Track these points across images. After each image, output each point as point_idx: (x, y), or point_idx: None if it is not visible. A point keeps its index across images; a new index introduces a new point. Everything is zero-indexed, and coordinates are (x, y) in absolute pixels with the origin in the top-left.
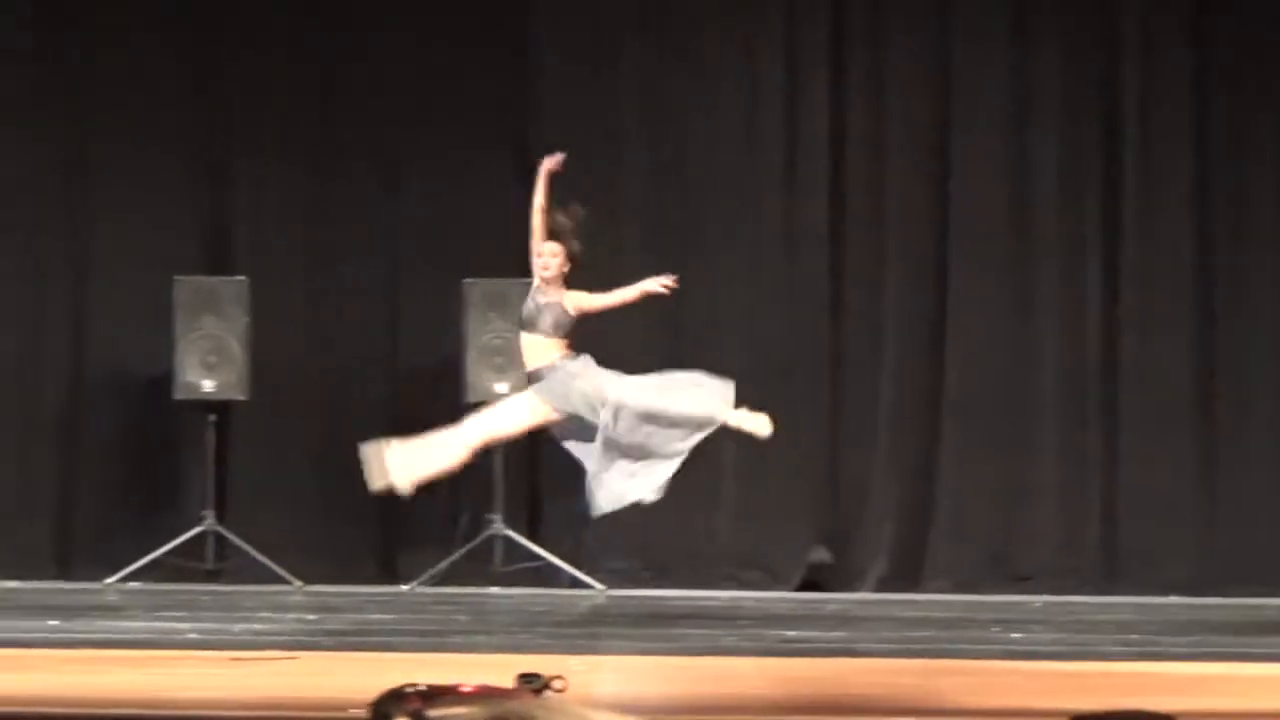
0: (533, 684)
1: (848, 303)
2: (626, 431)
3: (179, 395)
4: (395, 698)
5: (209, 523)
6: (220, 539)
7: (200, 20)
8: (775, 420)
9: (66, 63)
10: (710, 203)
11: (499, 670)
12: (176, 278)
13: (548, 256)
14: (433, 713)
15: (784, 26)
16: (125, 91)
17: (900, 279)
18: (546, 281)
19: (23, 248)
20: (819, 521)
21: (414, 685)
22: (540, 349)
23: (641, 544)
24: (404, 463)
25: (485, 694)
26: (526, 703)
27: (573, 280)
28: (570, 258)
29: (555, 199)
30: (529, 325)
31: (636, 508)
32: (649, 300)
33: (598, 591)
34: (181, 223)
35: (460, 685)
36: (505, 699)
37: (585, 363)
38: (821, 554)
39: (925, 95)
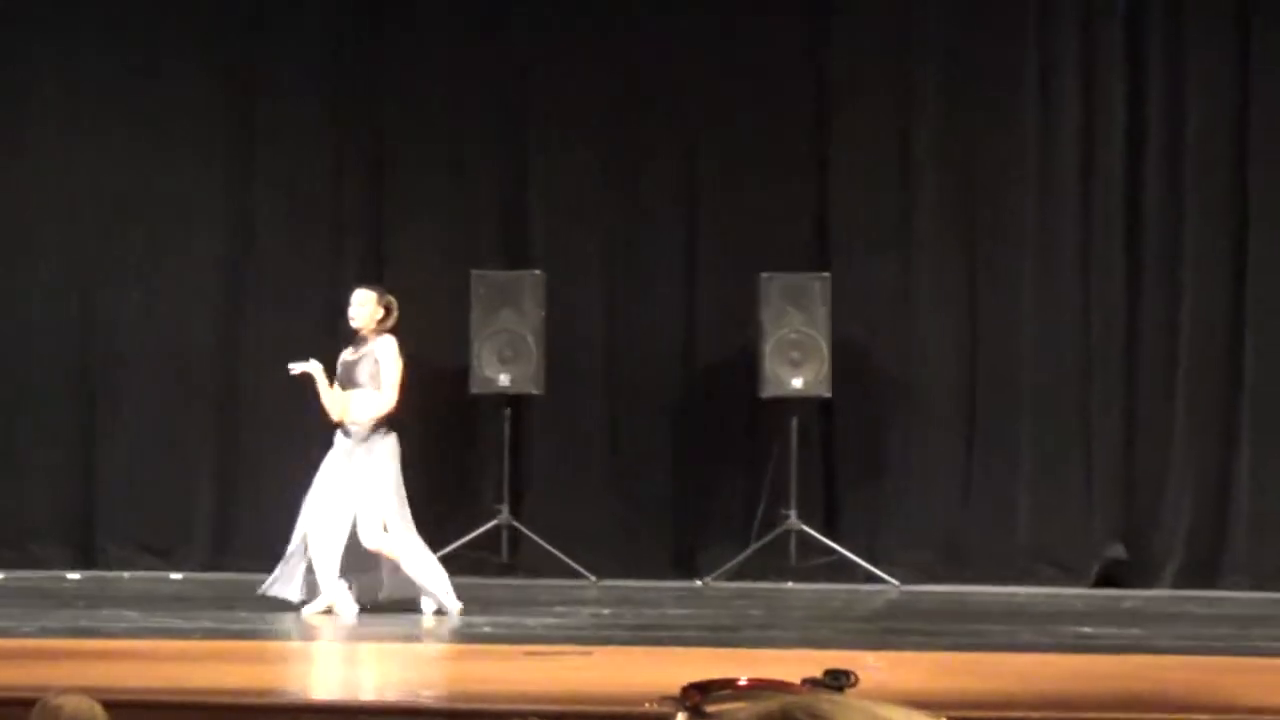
0: (837, 681)
1: (1145, 302)
2: None
3: (475, 389)
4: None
5: (504, 517)
6: (515, 533)
7: (501, 20)
8: (1072, 412)
9: (368, 64)
10: (1005, 205)
11: (794, 665)
12: (474, 272)
13: None
14: (711, 707)
15: (1079, 30)
16: (423, 90)
17: (1197, 279)
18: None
19: (326, 244)
20: (1115, 518)
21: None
22: None
23: (937, 539)
24: None
25: (764, 687)
26: (810, 697)
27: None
28: None
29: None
30: None
31: (934, 505)
32: (947, 301)
33: (892, 586)
34: (479, 218)
35: (738, 679)
36: (786, 692)
37: None
38: (1118, 550)
39: (1223, 98)
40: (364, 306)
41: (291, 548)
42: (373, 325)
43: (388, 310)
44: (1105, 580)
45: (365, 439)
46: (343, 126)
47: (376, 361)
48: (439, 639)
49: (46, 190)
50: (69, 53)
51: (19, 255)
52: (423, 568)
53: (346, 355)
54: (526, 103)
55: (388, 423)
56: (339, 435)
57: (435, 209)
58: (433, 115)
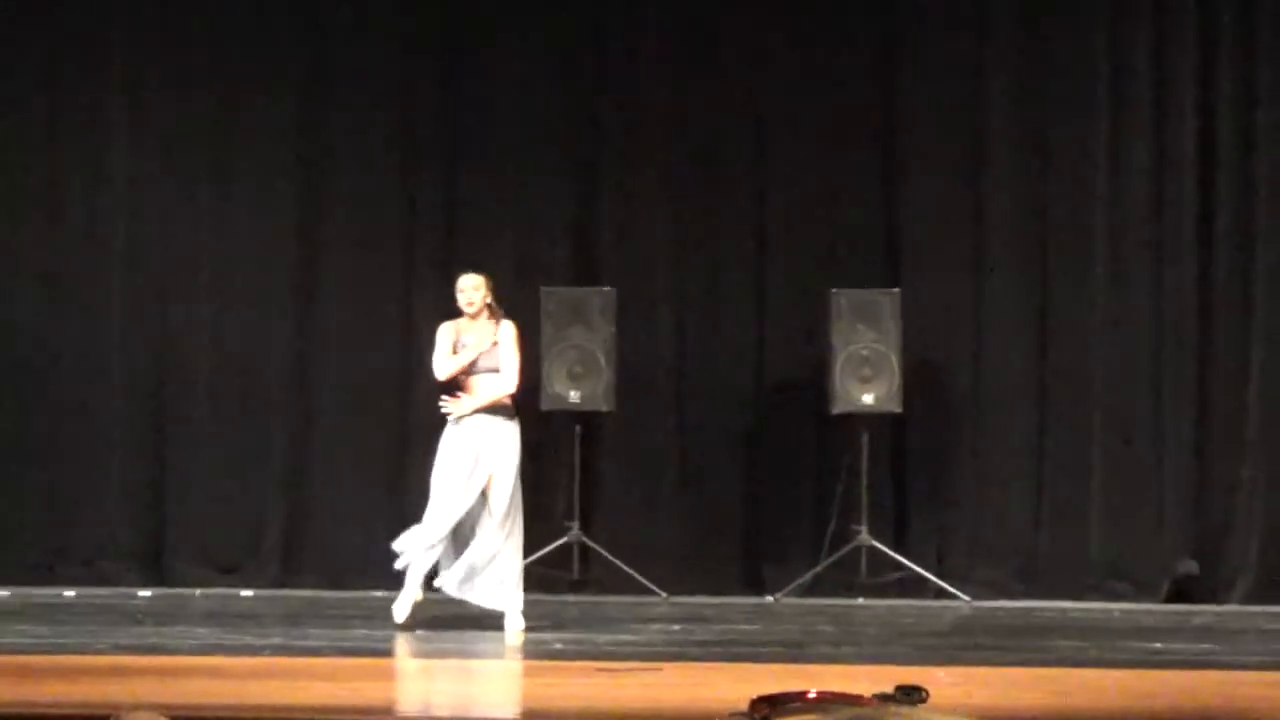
0: (910, 697)
1: (1215, 315)
2: None
3: (546, 406)
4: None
5: (574, 533)
6: (585, 549)
7: (573, 37)
8: (1144, 428)
9: (441, 81)
10: (1076, 220)
11: (865, 681)
12: (544, 288)
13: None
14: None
15: (1152, 41)
16: (495, 107)
17: (1269, 294)
18: None
19: (397, 260)
20: (1187, 533)
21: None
22: None
23: (1008, 555)
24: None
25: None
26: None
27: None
28: None
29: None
30: None
31: (1005, 520)
32: (1017, 316)
33: (963, 602)
34: (550, 234)
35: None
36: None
37: None
38: (1189, 566)
39: None
40: (477, 290)
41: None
42: (484, 307)
43: (490, 292)
44: (1176, 595)
45: (491, 425)
46: (414, 142)
47: (495, 344)
48: (509, 655)
49: (120, 210)
50: (141, 75)
51: (94, 274)
52: (512, 565)
53: (471, 345)
54: (598, 119)
55: (514, 408)
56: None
57: (506, 224)
58: (504, 131)
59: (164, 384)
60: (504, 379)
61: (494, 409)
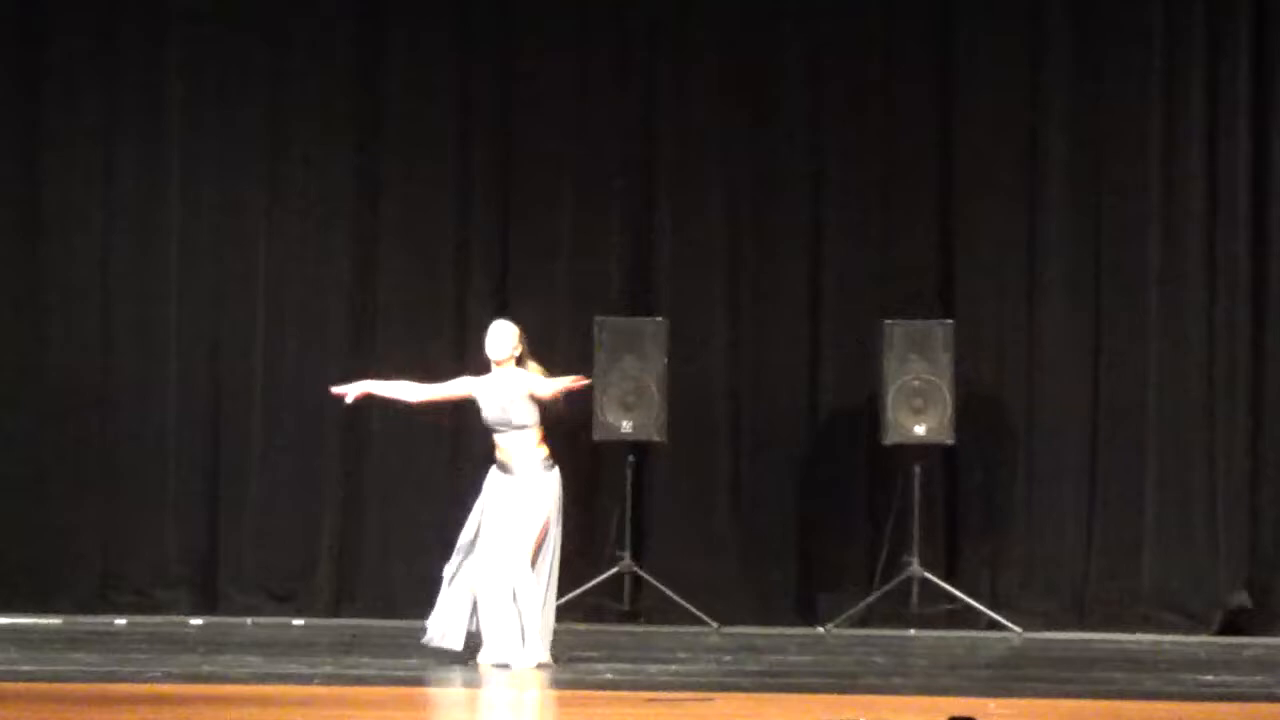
0: None
1: (1270, 348)
2: None
3: (598, 436)
4: None
5: (625, 563)
6: (637, 579)
7: (629, 67)
8: (1196, 460)
9: (497, 110)
10: (1129, 252)
11: (916, 713)
12: (597, 318)
13: None
14: None
15: (1205, 61)
16: (551, 135)
17: None
18: None
19: (452, 288)
20: (1240, 565)
21: None
22: None
23: (1059, 587)
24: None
25: None
26: None
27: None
28: None
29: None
30: None
31: (1057, 551)
32: (1070, 348)
33: (1015, 634)
34: (604, 264)
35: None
36: None
37: None
38: (1242, 598)
39: None
40: (507, 339)
41: (447, 590)
42: (512, 357)
43: (522, 343)
44: (1229, 628)
45: (527, 472)
46: (468, 172)
47: (523, 387)
48: (560, 686)
49: (176, 233)
50: (198, 108)
51: (149, 304)
52: (534, 615)
53: (492, 396)
54: (653, 149)
55: (551, 457)
56: (495, 471)
57: (560, 254)
58: (560, 160)
59: (218, 413)
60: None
61: (515, 462)
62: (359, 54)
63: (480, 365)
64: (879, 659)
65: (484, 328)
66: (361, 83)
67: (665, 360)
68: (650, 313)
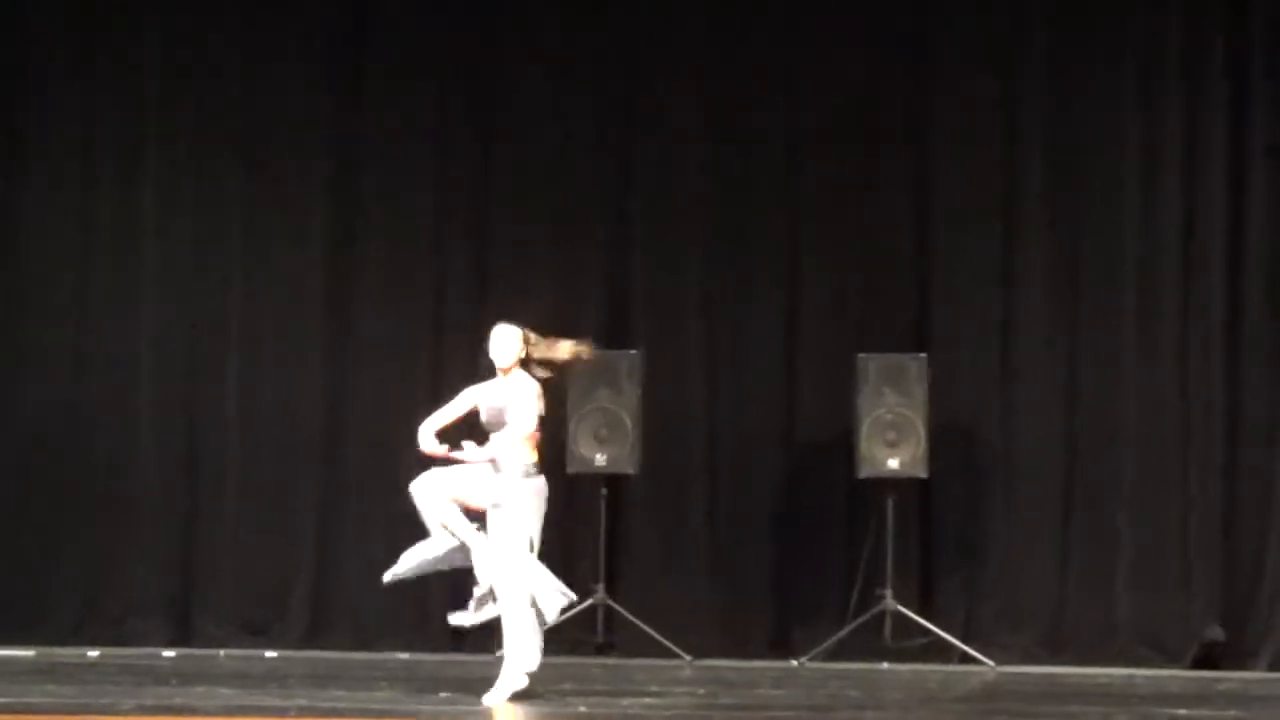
0: None
1: (1244, 382)
2: None
3: (572, 469)
4: None
5: (599, 596)
6: (610, 612)
7: (605, 98)
8: (1171, 493)
9: (474, 139)
10: (1104, 288)
11: None
12: None
13: None
14: None
15: (1182, 106)
16: (527, 168)
17: None
18: None
19: (428, 321)
20: (1213, 600)
21: None
22: None
23: (1033, 621)
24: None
25: None
26: None
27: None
28: None
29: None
30: None
31: (1030, 585)
32: (1044, 383)
33: (989, 667)
34: (578, 297)
35: None
36: None
37: None
38: (1216, 632)
39: None
40: (510, 345)
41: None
42: (517, 362)
43: (527, 345)
44: (1202, 662)
45: (509, 478)
46: (445, 205)
47: (527, 393)
48: (535, 718)
49: (149, 273)
50: (173, 139)
51: (124, 337)
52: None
53: (491, 399)
54: (628, 182)
55: (535, 464)
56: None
57: (534, 287)
58: (535, 193)
59: (193, 445)
60: (511, 429)
61: (503, 462)
62: (337, 92)
63: (486, 370)
64: (852, 692)
65: (459, 360)
66: (338, 120)
67: (639, 393)
68: (627, 345)
